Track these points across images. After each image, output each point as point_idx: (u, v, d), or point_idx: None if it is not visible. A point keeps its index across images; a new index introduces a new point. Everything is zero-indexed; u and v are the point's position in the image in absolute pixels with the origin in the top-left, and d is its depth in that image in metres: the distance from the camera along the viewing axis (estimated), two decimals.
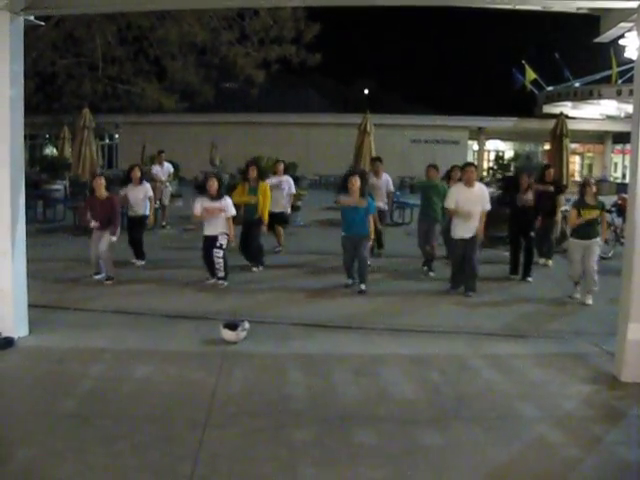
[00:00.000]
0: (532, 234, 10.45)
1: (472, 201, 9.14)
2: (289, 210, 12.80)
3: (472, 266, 9.23)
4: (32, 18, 6.85)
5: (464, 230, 9.18)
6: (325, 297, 9.13)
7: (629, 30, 6.79)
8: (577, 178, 32.99)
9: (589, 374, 6.13)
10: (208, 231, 9.50)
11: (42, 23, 7.64)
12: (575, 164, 39.79)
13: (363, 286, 9.35)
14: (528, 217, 10.41)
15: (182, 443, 4.45)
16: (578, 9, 6.64)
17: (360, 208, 9.26)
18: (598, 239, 9.05)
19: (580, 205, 9.06)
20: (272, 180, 11.89)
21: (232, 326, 6.77)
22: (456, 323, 7.92)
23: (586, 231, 8.97)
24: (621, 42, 8.89)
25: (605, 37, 7.06)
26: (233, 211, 9.56)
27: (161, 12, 16.10)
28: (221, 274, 9.45)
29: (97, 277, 9.69)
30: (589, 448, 4.62)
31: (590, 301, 8.93)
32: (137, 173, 10.94)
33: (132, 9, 12.10)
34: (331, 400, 5.34)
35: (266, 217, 10.61)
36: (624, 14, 6.31)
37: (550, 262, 11.70)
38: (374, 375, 5.98)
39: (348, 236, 9.43)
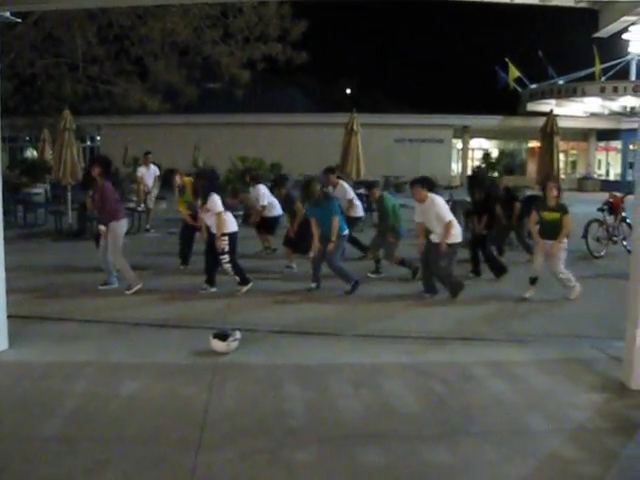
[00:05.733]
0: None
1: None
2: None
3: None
4: (8, 15, 6.49)
5: None
6: (315, 301, 8.85)
7: (633, 24, 6.55)
8: (562, 176, 32.88)
9: (597, 381, 5.87)
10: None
11: (19, 20, 7.25)
12: (559, 161, 39.72)
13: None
14: None
15: (175, 468, 4.14)
16: (577, 2, 6.38)
17: None
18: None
19: (541, 208, 9.21)
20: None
21: (222, 336, 6.43)
22: (452, 328, 7.68)
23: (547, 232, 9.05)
24: (624, 36, 8.70)
25: (605, 32, 6.78)
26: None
27: (142, 10, 15.70)
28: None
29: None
30: (607, 464, 4.35)
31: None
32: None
33: (108, 4, 11.72)
34: (331, 416, 5.03)
35: None
36: (627, 7, 6.07)
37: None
38: (374, 387, 5.68)
39: None
